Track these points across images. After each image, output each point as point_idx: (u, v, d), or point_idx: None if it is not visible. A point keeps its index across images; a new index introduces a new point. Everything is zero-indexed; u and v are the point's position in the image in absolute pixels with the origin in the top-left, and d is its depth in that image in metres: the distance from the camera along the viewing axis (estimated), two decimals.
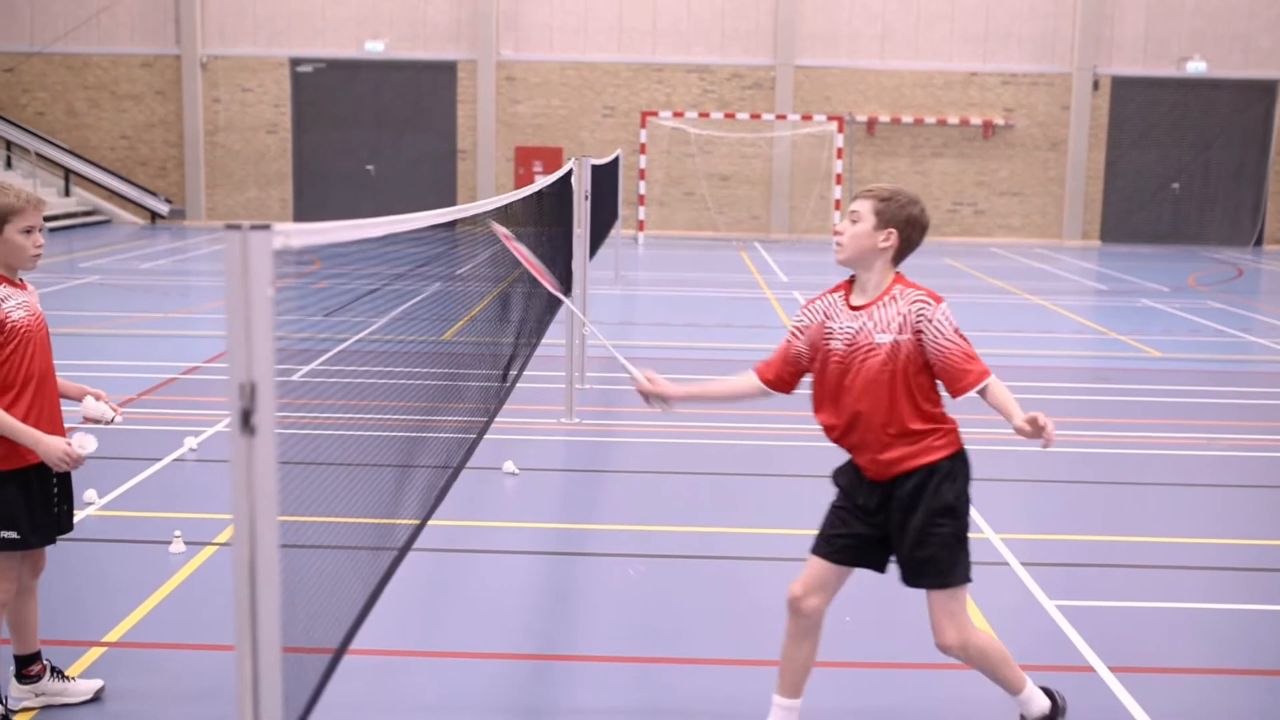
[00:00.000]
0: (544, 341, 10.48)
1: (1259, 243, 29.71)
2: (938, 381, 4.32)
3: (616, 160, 20.12)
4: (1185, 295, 19.51)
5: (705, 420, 10.14)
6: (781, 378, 4.50)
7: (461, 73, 29.34)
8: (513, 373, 7.34)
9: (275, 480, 2.50)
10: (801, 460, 9.04)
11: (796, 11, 28.75)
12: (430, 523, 7.26)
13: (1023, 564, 6.82)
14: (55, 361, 4.75)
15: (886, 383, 4.20)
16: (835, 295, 4.35)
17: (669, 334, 14.71)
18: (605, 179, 16.53)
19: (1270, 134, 29.39)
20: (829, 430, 4.41)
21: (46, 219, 23.53)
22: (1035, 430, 4.14)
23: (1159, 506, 8.24)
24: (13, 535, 4.48)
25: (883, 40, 29.05)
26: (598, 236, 15.37)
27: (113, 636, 5.53)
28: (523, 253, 5.52)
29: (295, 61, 29.42)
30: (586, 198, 10.89)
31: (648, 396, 4.59)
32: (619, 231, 22.06)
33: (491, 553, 6.94)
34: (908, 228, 4.25)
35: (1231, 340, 14.98)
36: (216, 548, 6.68)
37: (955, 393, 4.28)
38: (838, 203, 27.70)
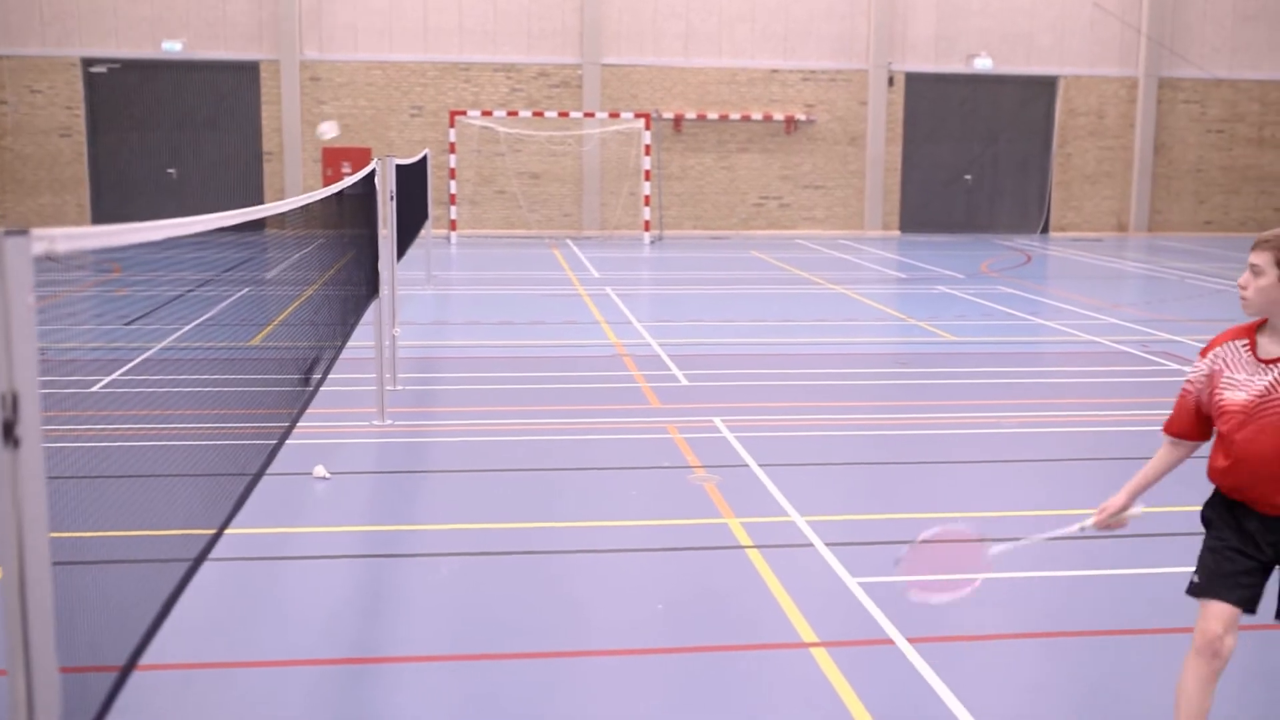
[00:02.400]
0: (354, 344, 10.40)
1: (1045, 230, 31.21)
2: None
3: (424, 160, 19.98)
4: (979, 281, 20.39)
5: (518, 418, 10.20)
6: (1190, 431, 4.41)
7: (264, 73, 28.68)
8: (315, 376, 7.27)
9: (44, 494, 2.44)
10: (611, 453, 9.20)
11: (601, 11, 28.97)
12: (237, 531, 7.18)
13: (826, 544, 7.09)
14: None
15: None
16: (1239, 344, 4.25)
17: (481, 333, 14.71)
18: (413, 179, 16.42)
19: (1052, 127, 30.89)
20: (1215, 473, 4.31)
21: None
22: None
23: (956, 483, 8.64)
24: None
25: (687, 39, 29.50)
26: (407, 237, 15.27)
27: None
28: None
29: (88, 61, 28.29)
30: (392, 198, 10.83)
31: (1110, 526, 4.52)
32: (430, 232, 21.92)
33: (302, 559, 6.88)
34: None
35: (1021, 323, 15.74)
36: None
37: None
38: (647, 198, 28.03)
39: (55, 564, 2.54)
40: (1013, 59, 30.41)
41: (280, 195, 28.18)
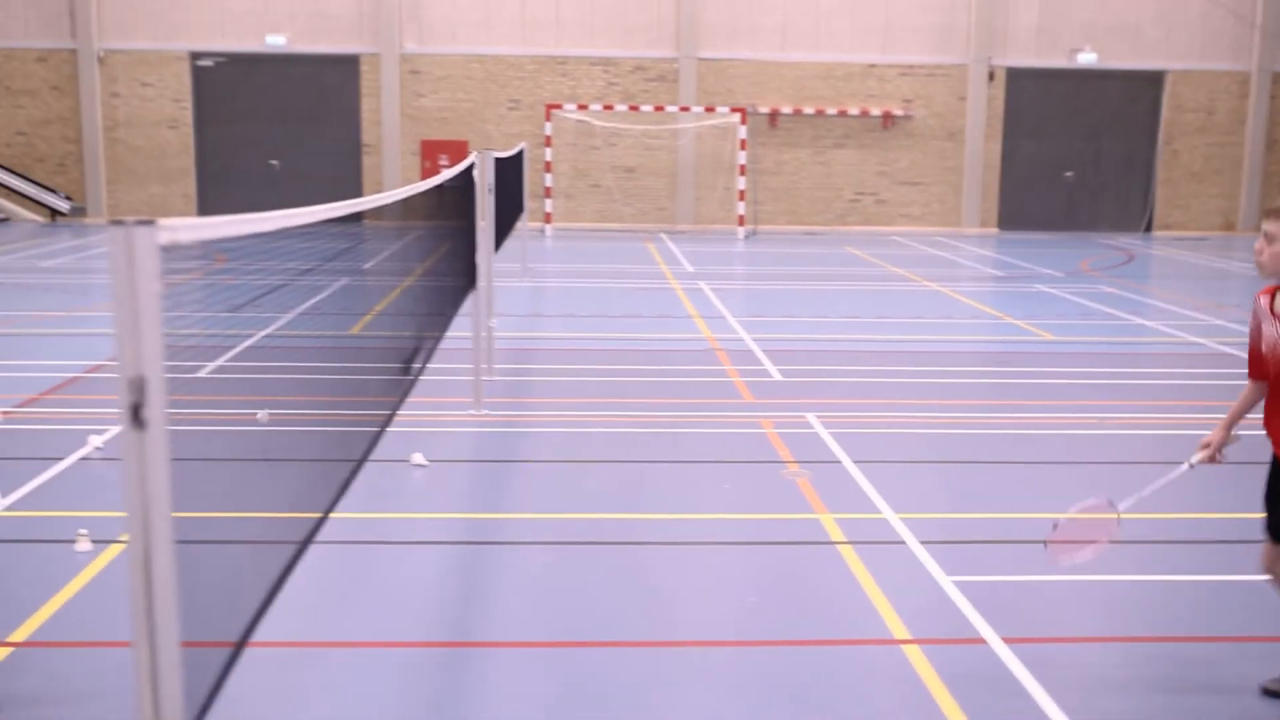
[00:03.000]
0: (451, 334, 10.54)
1: (1149, 228, 30.59)
2: None
3: (521, 153, 20.16)
4: (1078, 280, 20.06)
5: (611, 410, 10.28)
6: (1259, 372, 4.99)
7: (365, 66, 29.13)
8: (415, 365, 7.41)
9: (168, 473, 2.55)
10: (704, 446, 9.23)
11: (698, 4, 28.96)
12: (337, 515, 7.33)
13: (920, 542, 7.06)
14: None
15: None
16: (1264, 299, 4.88)
17: (576, 325, 14.83)
18: (510, 172, 16.59)
19: (1158, 122, 30.25)
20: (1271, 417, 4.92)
21: None
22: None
23: (1052, 484, 8.53)
24: None
25: (783, 32, 29.38)
26: (503, 229, 15.43)
27: (17, 637, 5.52)
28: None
29: (195, 55, 28.98)
30: (490, 191, 10.96)
31: (1217, 459, 5.14)
32: (526, 224, 22.12)
33: (400, 544, 7.02)
34: None
35: (1121, 323, 15.47)
36: (125, 545, 6.66)
37: None
38: (742, 193, 27.99)
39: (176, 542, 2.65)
40: (1118, 53, 29.82)
41: (379, 188, 28.62)
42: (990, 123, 29.87)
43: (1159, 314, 16.31)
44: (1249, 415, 5.16)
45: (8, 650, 5.40)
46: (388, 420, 6.28)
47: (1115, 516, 5.22)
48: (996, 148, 30.06)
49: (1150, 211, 30.58)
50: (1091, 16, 29.66)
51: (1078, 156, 30.42)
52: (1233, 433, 5.11)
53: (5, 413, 4.94)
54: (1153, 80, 30.13)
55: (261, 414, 7.80)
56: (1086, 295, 18.13)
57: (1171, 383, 11.97)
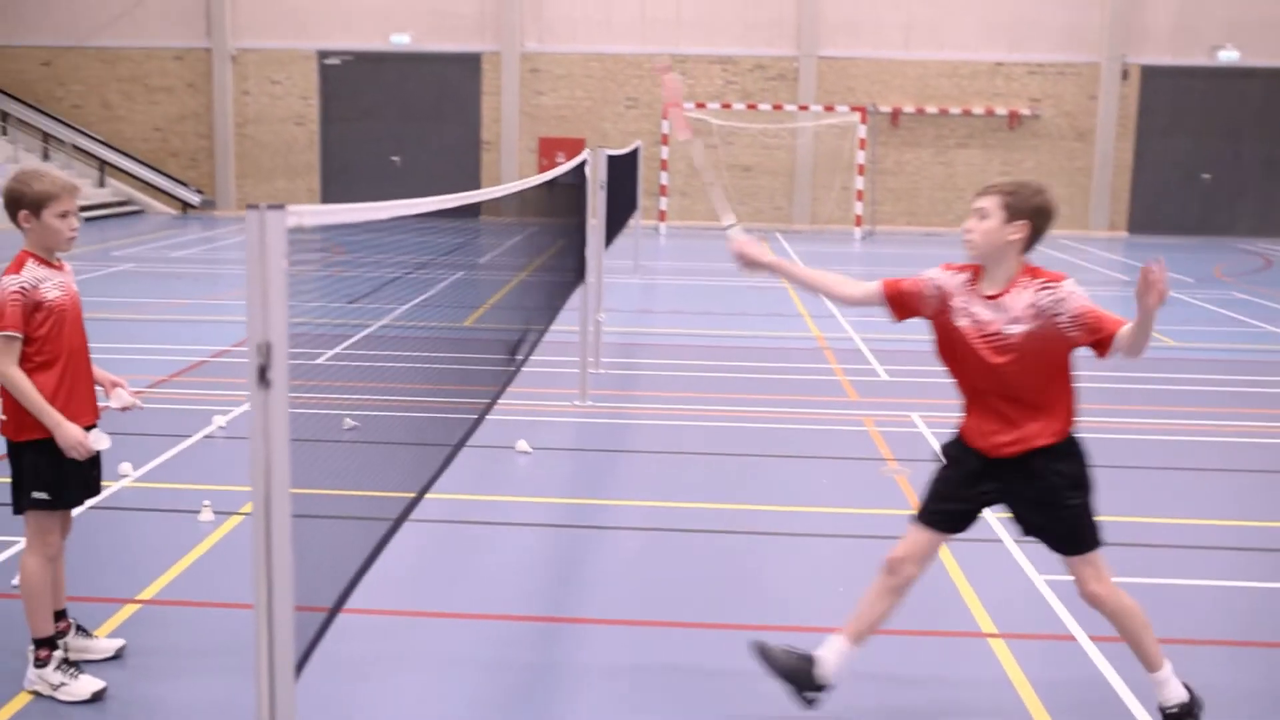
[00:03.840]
0: (560, 327, 10.73)
1: None
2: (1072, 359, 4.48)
3: (635, 152, 20.33)
4: (1210, 286, 19.56)
5: (715, 405, 10.37)
6: (900, 303, 4.67)
7: (486, 64, 29.63)
8: (519, 357, 7.58)
9: (287, 429, 2.79)
10: (805, 442, 9.26)
11: (820, 3, 28.86)
12: (443, 496, 7.56)
13: (1015, 540, 7.01)
14: (95, 344, 5.05)
15: (1015, 370, 4.40)
16: (963, 276, 4.53)
17: (684, 321, 14.94)
18: (623, 170, 16.76)
19: None
20: (960, 390, 4.64)
21: (82, 209, 24.01)
22: (1146, 285, 4.16)
23: (1162, 489, 8.40)
24: (44, 496, 4.80)
25: (907, 30, 29.12)
26: (615, 226, 15.61)
27: (144, 596, 5.84)
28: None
29: (323, 54, 29.79)
30: (602, 188, 11.11)
31: (744, 260, 4.81)
32: (639, 222, 22.29)
33: (500, 524, 7.20)
34: (1037, 216, 4.40)
35: (1250, 330, 15.07)
36: (243, 517, 6.96)
37: (1103, 346, 4.36)
38: (860, 193, 27.83)
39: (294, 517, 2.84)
40: (1262, 50, 28.85)
41: (497, 184, 29.04)
42: (1122, 122, 29.22)
43: None
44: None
45: (136, 606, 5.71)
46: (488, 408, 6.46)
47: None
48: (1129, 148, 29.39)
49: None
50: (1234, 13, 28.75)
51: (1216, 158, 29.57)
52: (763, 247, 4.80)
53: (136, 392, 5.22)
54: None
55: (348, 421, 8.08)
56: (1216, 301, 17.69)
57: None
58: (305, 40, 29.68)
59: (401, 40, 29.50)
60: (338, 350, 11.92)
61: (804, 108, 28.44)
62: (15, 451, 4.85)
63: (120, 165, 29.31)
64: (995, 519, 7.38)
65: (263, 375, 2.77)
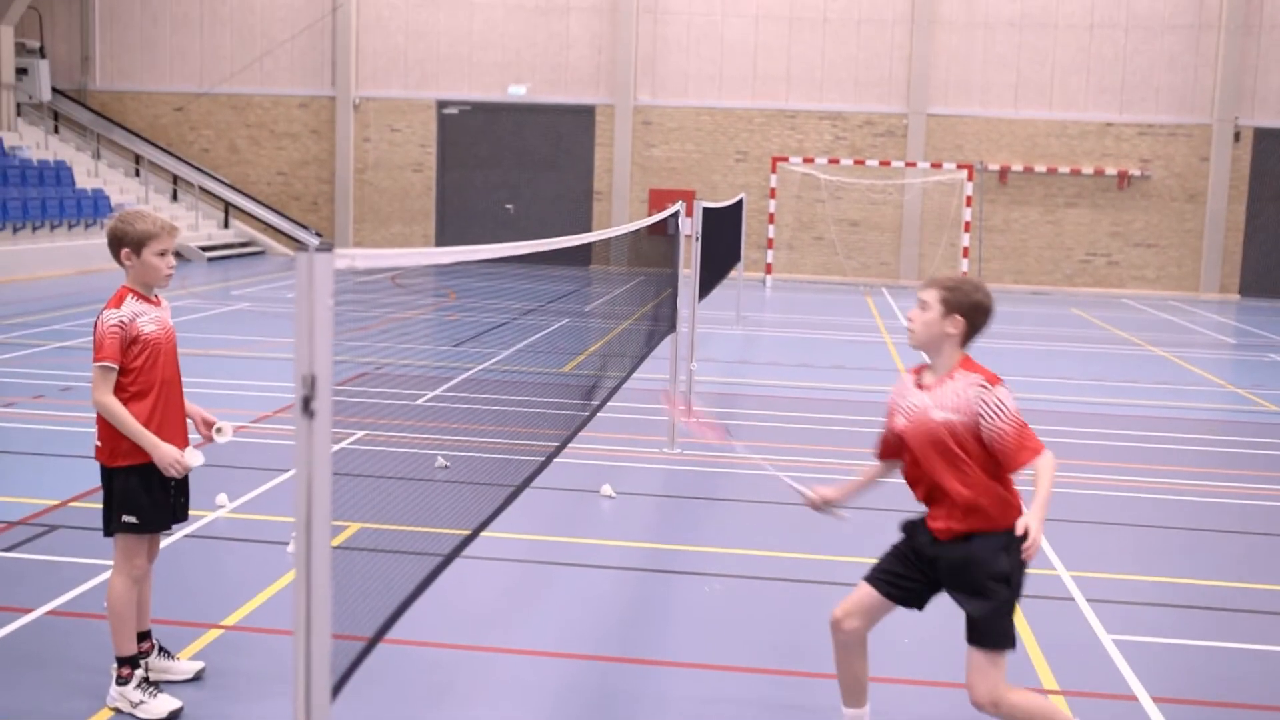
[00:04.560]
0: (654, 375, 10.98)
1: None
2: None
3: (740, 204, 20.59)
4: None
5: (803, 456, 10.51)
6: (888, 453, 4.96)
7: (599, 116, 30.21)
8: (593, 402, 7.84)
9: (329, 457, 3.01)
10: (895, 496, 9.35)
11: (930, 61, 28.97)
12: (525, 536, 7.84)
13: (1088, 599, 7.07)
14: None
15: (942, 456, 4.56)
16: (910, 376, 4.77)
17: (780, 374, 15.09)
18: (725, 222, 17.02)
19: None
20: (912, 489, 4.82)
21: (207, 249, 25.00)
22: (1022, 535, 4.40)
23: (1234, 552, 8.34)
24: (133, 520, 5.15)
25: (1017, 89, 29.07)
26: (715, 278, 15.85)
27: (228, 621, 6.17)
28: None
29: (442, 104, 30.65)
30: (696, 239, 11.38)
31: (817, 507, 5.22)
32: (743, 274, 22.51)
33: (579, 566, 7.43)
34: (973, 313, 4.60)
35: None
36: (333, 551, 7.28)
37: (1008, 470, 4.55)
38: (966, 250, 27.74)
39: (358, 549, 3.08)
40: None
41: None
42: (1234, 184, 28.78)
43: None
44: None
45: (219, 632, 6.04)
46: (556, 452, 6.69)
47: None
48: (1240, 210, 28.91)
49: None
50: None
51: None
52: (845, 505, 5.17)
53: (239, 427, 5.57)
54: None
55: (440, 460, 8.46)
56: None
57: None
58: (425, 90, 30.59)
59: (518, 91, 30.25)
60: (438, 391, 12.33)
61: (911, 164, 28.50)
62: (108, 476, 5.19)
63: (244, 207, 30.44)
64: (1069, 577, 7.45)
65: (306, 406, 2.95)
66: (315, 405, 2.94)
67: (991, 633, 4.60)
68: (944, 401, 4.54)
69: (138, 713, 5.11)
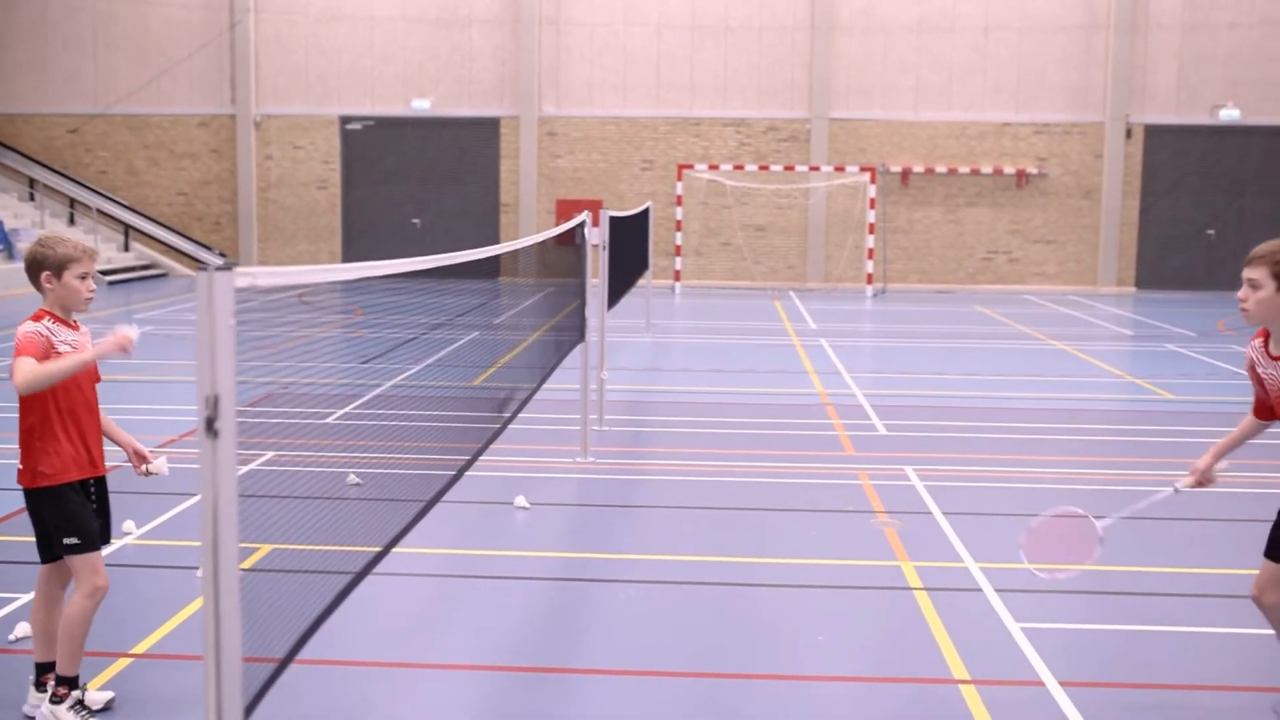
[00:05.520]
0: (566, 385, 11.02)
1: None
2: None
3: (646, 212, 20.70)
4: (1211, 340, 19.73)
5: (716, 460, 10.60)
6: (1264, 413, 5.22)
7: (504, 128, 30.17)
8: (504, 414, 7.84)
9: (234, 477, 3.01)
10: (800, 496, 9.48)
11: (830, 66, 29.35)
12: (440, 551, 7.82)
13: (996, 589, 7.22)
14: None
15: None
16: (1257, 342, 5.05)
17: (692, 379, 15.20)
18: (632, 230, 17.10)
19: None
20: None
21: (107, 272, 24.44)
22: None
23: (1138, 540, 8.57)
24: (76, 541, 5.13)
25: (916, 92, 29.56)
26: (624, 286, 15.92)
27: (139, 649, 6.08)
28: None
29: (345, 119, 30.40)
30: (604, 249, 11.44)
31: (1200, 484, 5.40)
32: (651, 281, 22.62)
33: (494, 578, 7.43)
34: None
35: (1247, 383, 15.20)
36: (241, 573, 7.20)
37: None
38: (871, 251, 28.14)
39: (270, 570, 3.08)
40: (1262, 109, 29.19)
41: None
42: (1128, 180, 29.52)
43: None
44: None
45: (129, 660, 5.95)
46: (467, 465, 6.69)
47: (1097, 535, 5.39)
48: (1134, 205, 29.66)
49: None
50: (1234, 73, 29.15)
51: (1220, 214, 29.81)
52: (1223, 461, 5.28)
53: (151, 452, 5.55)
54: None
55: (351, 478, 8.42)
56: (1216, 355, 17.86)
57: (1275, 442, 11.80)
58: (328, 106, 30.32)
59: (422, 105, 30.09)
60: (348, 409, 12.24)
61: (815, 168, 28.85)
62: (35, 505, 5.15)
63: (145, 230, 29.89)
64: (977, 569, 7.60)
65: (210, 426, 2.95)
66: (219, 425, 2.94)
67: None
68: None
69: None
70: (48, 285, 5.16)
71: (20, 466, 5.15)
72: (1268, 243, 4.91)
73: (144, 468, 5.41)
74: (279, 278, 3.48)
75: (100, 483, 5.33)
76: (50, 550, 5.22)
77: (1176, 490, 5.31)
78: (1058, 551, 5.38)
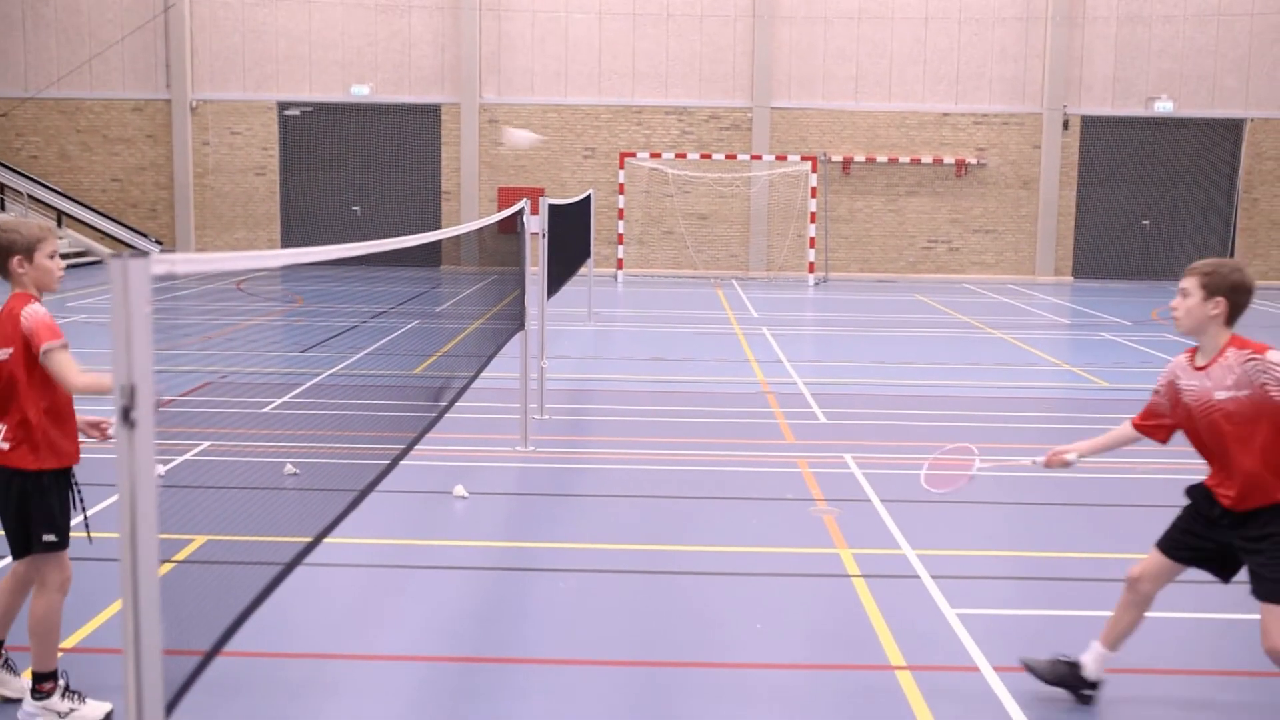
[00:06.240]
0: (505, 374, 10.96)
1: None
2: None
3: (588, 200, 20.64)
4: (1145, 329, 20.01)
5: (657, 449, 10.60)
6: (1148, 427, 5.33)
7: (445, 115, 29.96)
8: (441, 403, 7.79)
9: (153, 467, 2.95)
10: (740, 484, 9.50)
11: (772, 55, 29.41)
12: (377, 541, 7.77)
13: (932, 576, 7.28)
14: None
15: (1231, 433, 4.86)
16: (1184, 357, 5.09)
17: (633, 368, 15.19)
18: (573, 218, 17.04)
19: (1237, 171, 30.00)
20: (1204, 458, 5.12)
21: None
22: None
23: (1067, 525, 8.68)
24: (53, 538, 5.07)
25: (857, 82, 29.70)
26: (565, 274, 15.86)
27: (69, 643, 5.97)
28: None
29: (283, 105, 30.04)
30: (543, 236, 11.39)
31: (1052, 465, 5.59)
32: (593, 270, 22.58)
33: (433, 568, 7.38)
34: (1233, 293, 4.91)
35: None
36: (174, 565, 7.11)
37: None
38: (812, 240, 28.25)
39: (203, 562, 3.02)
40: (1195, 101, 29.68)
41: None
42: (1065, 171, 29.86)
43: None
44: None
45: (59, 654, 5.83)
46: (402, 454, 6.63)
47: (972, 467, 5.88)
48: (1071, 196, 30.01)
49: None
50: (1168, 66, 29.58)
51: (1154, 205, 30.25)
52: (1079, 457, 5.52)
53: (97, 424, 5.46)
54: (1231, 128, 29.91)
55: (289, 467, 8.35)
56: (1150, 344, 18.11)
57: None
58: (265, 91, 29.94)
59: (361, 91, 29.80)
60: (286, 399, 12.11)
61: (757, 157, 28.91)
62: (22, 487, 5.01)
63: (78, 216, 29.38)
64: (915, 556, 7.66)
65: (126, 416, 2.89)
66: (135, 415, 2.88)
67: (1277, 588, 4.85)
68: (1223, 381, 4.86)
69: (6, 690, 5.09)
70: (19, 270, 5.07)
71: (5, 446, 4.99)
72: (1206, 260, 5.11)
73: (110, 431, 5.27)
74: (199, 265, 3.42)
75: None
76: (27, 546, 5.08)
77: (1034, 463, 5.68)
78: (941, 478, 6.02)
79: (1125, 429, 5.43)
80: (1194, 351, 5.05)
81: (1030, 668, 5.57)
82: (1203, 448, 5.06)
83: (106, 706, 5.10)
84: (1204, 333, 4.94)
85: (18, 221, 5.17)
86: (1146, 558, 5.32)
